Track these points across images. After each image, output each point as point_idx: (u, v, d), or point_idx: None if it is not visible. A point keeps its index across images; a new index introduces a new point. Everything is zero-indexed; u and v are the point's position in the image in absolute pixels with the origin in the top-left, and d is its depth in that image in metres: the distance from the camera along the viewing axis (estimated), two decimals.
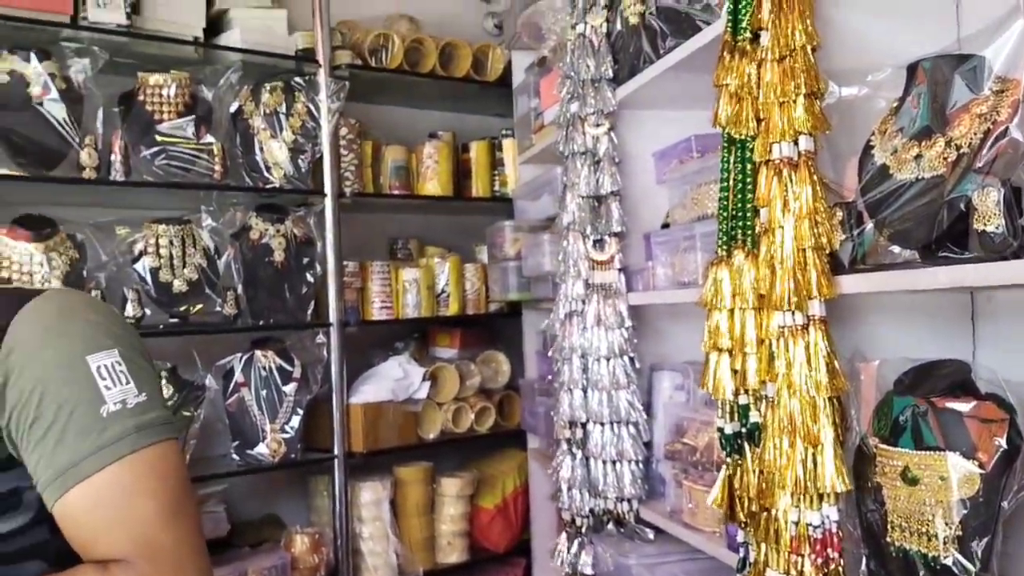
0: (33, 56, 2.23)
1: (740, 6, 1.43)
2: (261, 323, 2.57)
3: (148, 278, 2.41)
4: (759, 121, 1.38)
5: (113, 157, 2.35)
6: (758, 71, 1.37)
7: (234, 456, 2.53)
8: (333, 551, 2.64)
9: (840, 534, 1.26)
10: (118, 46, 2.38)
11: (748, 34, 1.41)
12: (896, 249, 1.20)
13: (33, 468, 1.00)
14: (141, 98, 2.45)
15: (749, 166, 1.41)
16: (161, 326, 2.41)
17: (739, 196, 1.44)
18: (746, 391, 1.41)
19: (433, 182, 3.01)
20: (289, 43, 2.65)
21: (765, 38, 1.35)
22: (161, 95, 2.45)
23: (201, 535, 1.05)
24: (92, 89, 2.34)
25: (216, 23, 2.59)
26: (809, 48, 1.29)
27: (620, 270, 2.11)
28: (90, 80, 2.33)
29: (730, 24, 1.45)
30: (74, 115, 2.29)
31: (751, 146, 1.40)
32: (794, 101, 1.29)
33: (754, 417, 1.40)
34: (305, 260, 2.67)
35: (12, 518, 1.02)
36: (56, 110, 2.26)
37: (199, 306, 2.47)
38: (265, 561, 2.48)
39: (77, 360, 1.00)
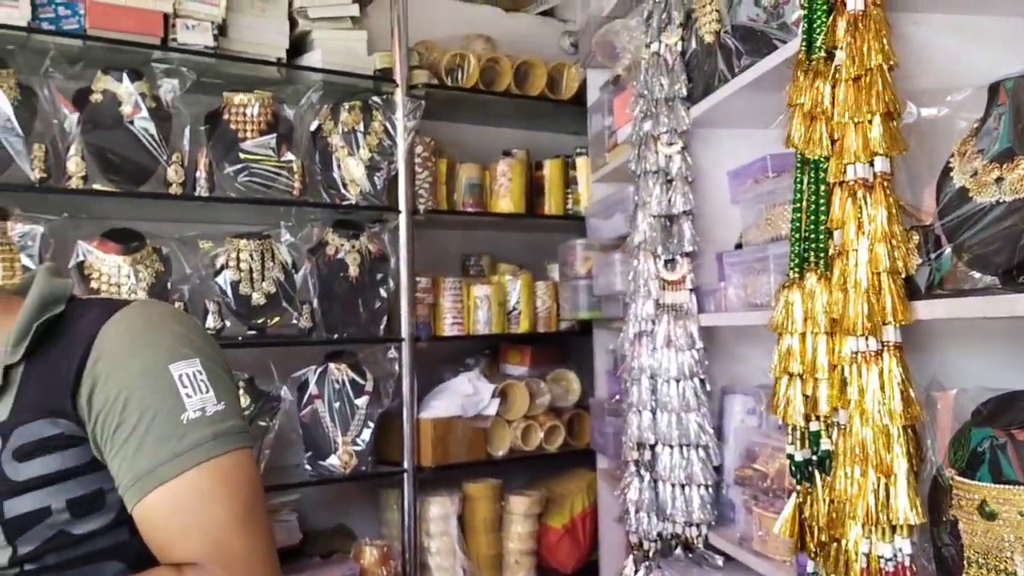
0: (125, 76, 2.33)
1: (815, 25, 1.40)
2: (335, 336, 2.62)
3: (229, 291, 2.48)
4: (833, 141, 1.35)
5: (198, 174, 2.43)
6: (833, 91, 1.35)
7: (307, 467, 2.58)
8: (401, 564, 2.67)
9: (913, 568, 1.22)
10: (205, 67, 2.47)
11: (823, 53, 1.38)
12: (975, 274, 1.16)
13: (116, 471, 1.04)
14: (226, 117, 2.53)
15: (823, 187, 1.38)
16: (240, 338, 2.48)
17: (812, 217, 1.41)
18: (817, 417, 1.38)
19: (506, 199, 3.03)
20: (368, 63, 2.71)
21: (840, 57, 1.33)
22: (245, 114, 2.53)
23: (272, 543, 1.07)
24: (180, 108, 2.43)
25: (299, 44, 2.66)
26: (886, 67, 1.26)
27: (691, 290, 2.09)
28: (178, 99, 2.42)
29: (804, 43, 1.43)
30: (162, 133, 2.38)
31: (825, 167, 1.37)
32: (870, 121, 1.27)
33: (825, 444, 1.37)
34: (379, 275, 2.71)
35: (95, 519, 1.06)
36: (146, 128, 2.35)
37: (276, 319, 2.53)
38: (335, 571, 2.52)
39: (161, 369, 1.04)
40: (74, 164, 2.24)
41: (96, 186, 2.29)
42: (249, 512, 1.05)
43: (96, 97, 2.32)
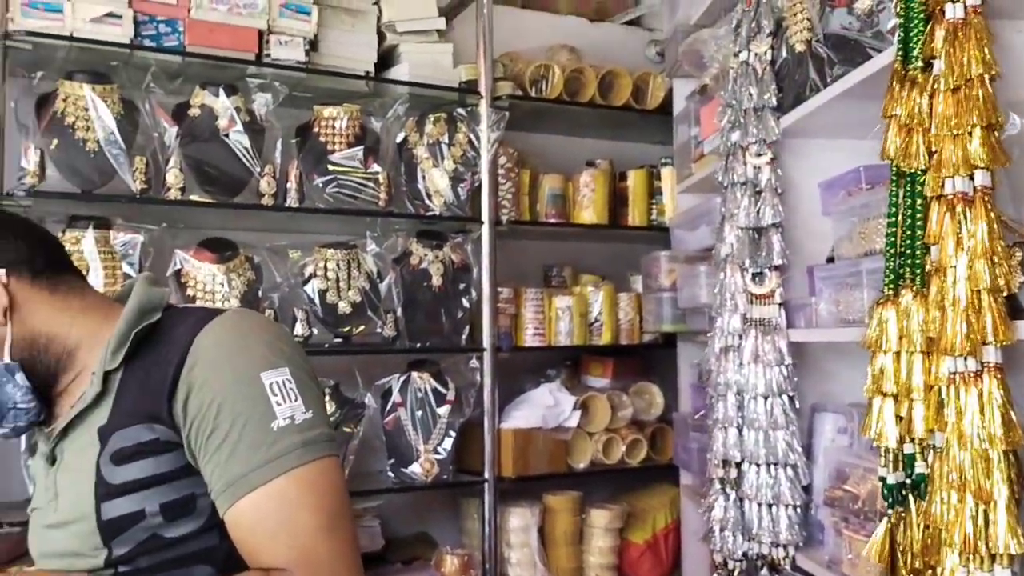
0: (222, 91, 2.41)
1: (912, 33, 1.36)
2: (418, 345, 2.65)
3: (316, 299, 2.53)
4: (931, 154, 1.31)
5: (289, 185, 2.49)
6: (930, 102, 1.30)
7: (390, 473, 2.61)
8: (482, 574, 2.67)
9: None
10: (297, 81, 2.53)
11: (920, 63, 1.34)
12: None
13: (208, 476, 1.07)
14: (316, 130, 2.59)
15: (919, 201, 1.34)
16: (326, 345, 2.53)
17: (908, 232, 1.36)
18: (912, 439, 1.33)
19: (589, 210, 3.01)
20: (453, 75, 2.74)
21: (938, 67, 1.28)
22: (334, 127, 2.59)
23: (357, 550, 1.09)
24: (272, 121, 2.50)
25: (386, 57, 2.71)
26: (987, 77, 1.21)
27: (780, 305, 2.04)
28: (271, 113, 2.49)
29: (901, 52, 1.39)
30: (256, 146, 2.45)
31: (922, 180, 1.33)
32: (969, 133, 1.22)
33: (920, 468, 1.32)
34: (461, 285, 2.73)
35: (187, 522, 1.09)
36: (240, 141, 2.42)
37: (361, 327, 2.57)
38: None
39: (253, 377, 1.08)
40: (173, 176, 2.32)
41: (193, 197, 2.37)
42: (335, 519, 1.07)
43: (194, 111, 2.41)
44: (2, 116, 2.13)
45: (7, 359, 1.13)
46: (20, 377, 1.14)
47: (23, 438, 2.14)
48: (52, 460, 1.17)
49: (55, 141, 2.21)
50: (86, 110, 2.24)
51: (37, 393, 1.16)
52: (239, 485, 1.05)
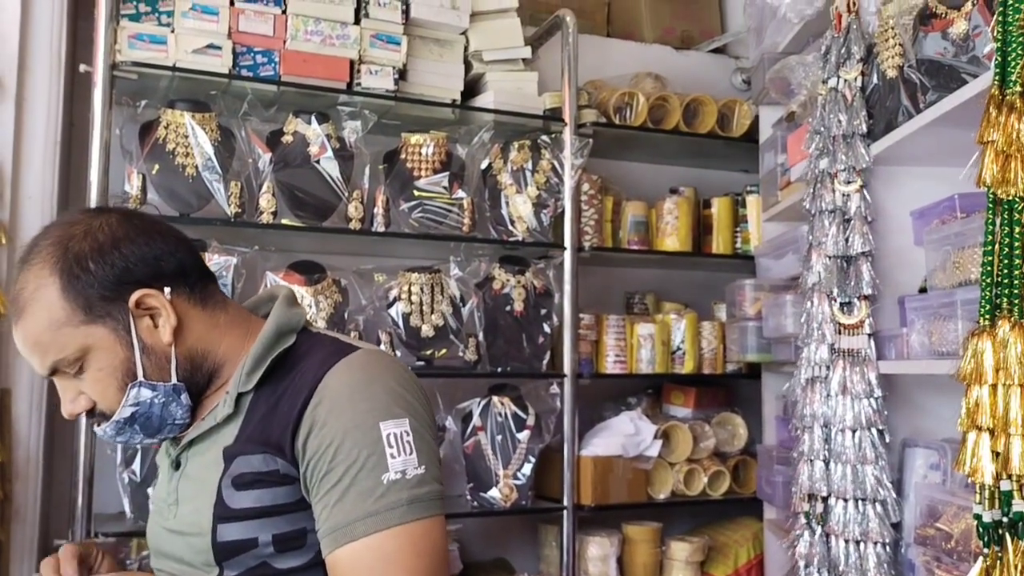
0: (314, 119, 2.49)
1: (1010, 57, 1.32)
2: (499, 370, 2.66)
3: (400, 322, 2.57)
4: None
5: (376, 210, 2.55)
6: None
7: (468, 497, 2.62)
8: None
9: None
10: (385, 109, 2.59)
11: (1018, 87, 1.29)
12: None
13: (317, 516, 1.09)
14: (403, 156, 2.65)
15: (1018, 229, 1.29)
16: (409, 367, 2.56)
17: (1005, 261, 1.31)
18: (1009, 476, 1.27)
19: (672, 237, 2.99)
20: (538, 103, 2.77)
21: None
22: (420, 153, 2.64)
23: None
24: (361, 148, 2.56)
25: (472, 86, 2.75)
26: None
27: (870, 335, 1.99)
28: (360, 140, 2.55)
29: (998, 76, 1.34)
30: (345, 172, 2.52)
31: (1020, 208, 1.28)
32: None
33: (1018, 506, 1.26)
34: (543, 311, 2.74)
35: (296, 556, 1.11)
36: (330, 167, 2.49)
37: (443, 350, 2.60)
38: None
39: (372, 425, 1.08)
40: (266, 200, 2.40)
41: (284, 221, 2.44)
42: None
43: (287, 138, 2.49)
44: (108, 142, 2.24)
45: (174, 380, 1.15)
46: (185, 398, 1.16)
47: (119, 451, 2.24)
48: (176, 465, 1.20)
49: (156, 166, 2.32)
50: (186, 137, 2.34)
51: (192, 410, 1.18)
52: (342, 532, 1.06)
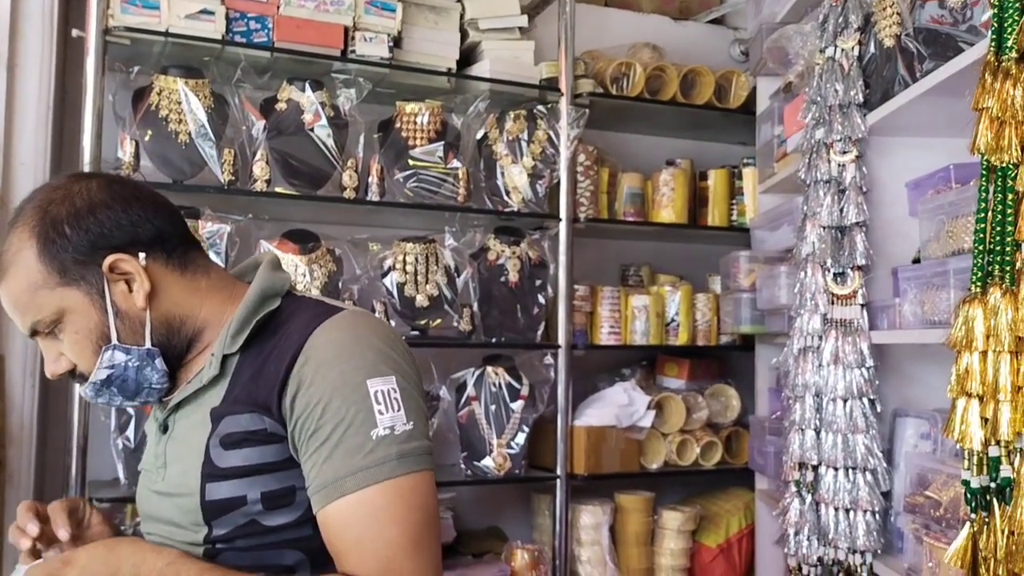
0: (308, 86, 2.47)
1: (1007, 24, 1.31)
2: (493, 340, 2.67)
3: (395, 292, 2.57)
4: None
5: (370, 179, 2.54)
6: None
7: (462, 466, 2.63)
8: (552, 570, 2.67)
9: None
10: (380, 77, 2.58)
11: (1014, 53, 1.29)
12: None
13: (307, 473, 1.09)
14: (398, 125, 2.63)
15: (1011, 196, 1.29)
16: (403, 337, 2.55)
17: (998, 229, 1.31)
18: (997, 442, 1.28)
19: (668, 209, 2.99)
20: (534, 73, 2.75)
21: None
22: (415, 122, 2.63)
23: (439, 568, 1.09)
24: (355, 116, 2.55)
25: (468, 55, 2.74)
26: None
27: (863, 306, 1.99)
28: (354, 108, 2.54)
29: (994, 43, 1.34)
30: (339, 140, 2.50)
31: (1014, 174, 1.28)
32: None
33: (1005, 471, 1.27)
34: (537, 282, 2.74)
35: (284, 513, 1.12)
36: (324, 135, 2.48)
37: (438, 320, 2.60)
38: (487, 572, 2.56)
39: (359, 382, 1.08)
40: (259, 168, 2.39)
41: (278, 189, 2.44)
42: (421, 535, 1.07)
43: (281, 106, 2.47)
44: (101, 108, 2.23)
45: (148, 344, 1.16)
46: (159, 362, 1.17)
47: (113, 417, 2.25)
48: (164, 428, 1.21)
49: (149, 133, 2.31)
50: (179, 103, 2.32)
51: (170, 374, 1.19)
52: (332, 488, 1.06)
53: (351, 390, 1.08)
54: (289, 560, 1.12)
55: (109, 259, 1.13)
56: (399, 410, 1.09)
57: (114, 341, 1.14)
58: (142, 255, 1.15)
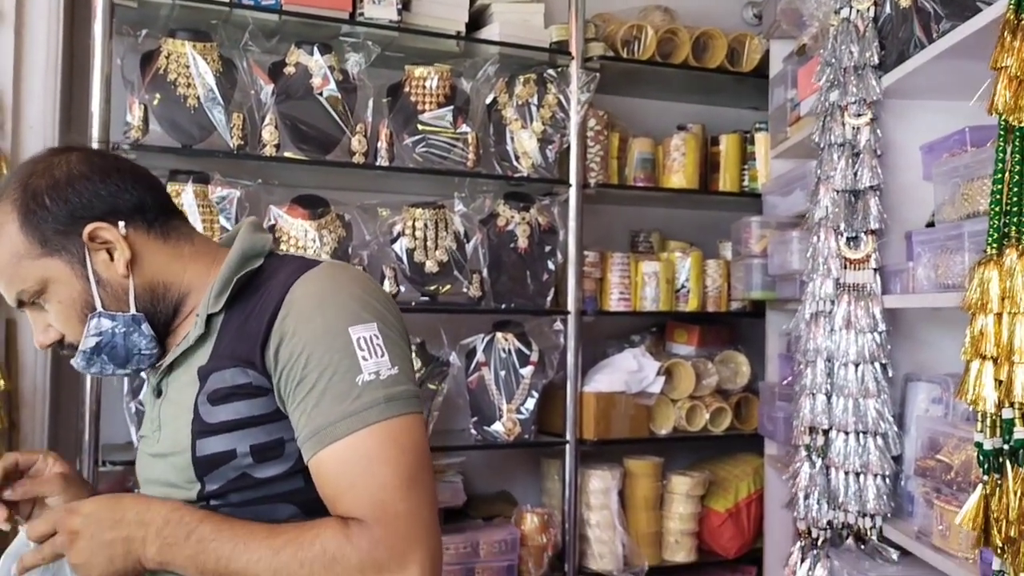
0: (316, 50, 2.45)
1: None
2: (503, 306, 2.66)
3: (404, 258, 2.56)
4: None
5: (379, 144, 2.53)
6: None
7: (472, 431, 2.64)
8: (561, 534, 2.69)
9: None
10: (389, 40, 2.55)
11: None
12: None
13: (295, 424, 1.11)
14: (407, 89, 2.61)
15: None
16: (413, 303, 2.56)
17: (1015, 190, 1.30)
18: (1011, 404, 1.28)
19: (679, 175, 2.97)
20: (544, 36, 2.72)
21: None
22: (424, 87, 2.60)
23: (434, 508, 1.10)
24: (364, 80, 2.53)
25: (477, 18, 2.70)
26: None
27: (876, 270, 1.98)
28: (363, 72, 2.52)
29: (1014, 1, 1.31)
30: (348, 104, 2.49)
31: None
32: None
33: (1019, 433, 1.27)
34: (547, 248, 2.73)
35: (275, 465, 1.13)
36: (333, 99, 2.46)
37: (447, 286, 2.60)
38: (496, 535, 2.58)
39: (341, 330, 1.09)
40: (268, 133, 2.38)
41: (287, 154, 2.42)
42: (413, 476, 1.08)
43: (289, 70, 2.45)
44: (109, 72, 2.21)
45: (133, 310, 1.18)
46: (146, 327, 1.19)
47: (125, 381, 2.26)
48: (158, 393, 1.23)
49: (158, 96, 2.29)
50: (187, 67, 2.31)
51: (158, 339, 1.21)
52: (322, 435, 1.07)
53: (333, 338, 1.09)
54: (283, 514, 1.13)
55: (88, 228, 1.15)
56: (383, 356, 1.10)
57: (99, 308, 1.17)
58: (122, 224, 1.17)
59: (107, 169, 1.19)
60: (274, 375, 1.11)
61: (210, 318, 1.18)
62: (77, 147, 1.25)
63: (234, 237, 1.27)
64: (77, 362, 1.20)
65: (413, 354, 2.46)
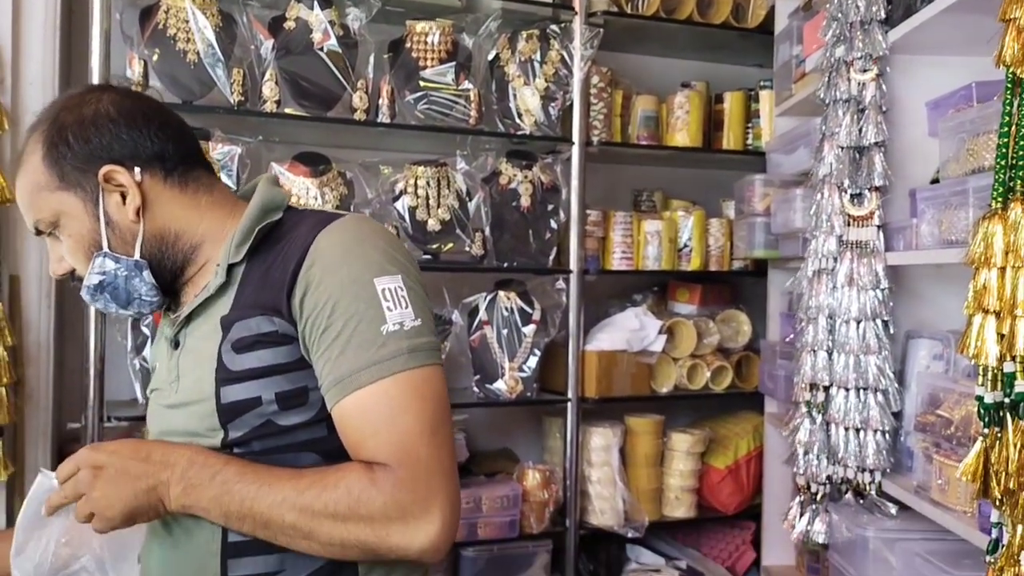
0: (316, 4, 2.42)
1: None
2: (505, 265, 2.66)
3: (406, 216, 2.56)
4: None
5: (381, 101, 2.51)
6: None
7: (475, 389, 2.66)
8: (563, 490, 2.72)
9: None
10: None
11: None
12: None
13: (319, 371, 1.11)
14: (408, 45, 2.59)
15: None
16: (415, 261, 2.55)
17: (1022, 143, 1.29)
18: (1013, 358, 1.28)
19: (682, 133, 2.95)
20: None
21: None
22: (426, 42, 2.58)
23: (453, 455, 1.12)
24: (365, 36, 2.51)
25: None
26: None
27: (879, 227, 1.98)
28: (364, 28, 2.49)
29: None
30: (349, 60, 2.46)
31: None
32: None
33: (1020, 387, 1.27)
34: (550, 207, 2.72)
35: (299, 413, 1.14)
36: (334, 55, 2.44)
37: (450, 245, 2.59)
38: (499, 490, 2.60)
39: (367, 280, 1.10)
40: (268, 89, 2.36)
41: (288, 110, 2.41)
42: (435, 424, 1.09)
43: (289, 24, 2.43)
44: (108, 27, 2.19)
45: (137, 256, 1.19)
46: (147, 275, 1.20)
47: (129, 338, 2.27)
48: (176, 344, 1.23)
49: (157, 52, 2.27)
50: (187, 22, 2.28)
51: (160, 289, 1.22)
52: (347, 383, 1.08)
53: (360, 288, 1.10)
54: (306, 462, 1.14)
55: (104, 169, 1.17)
56: (407, 307, 1.11)
57: (104, 248, 1.19)
58: (137, 170, 1.18)
59: (135, 114, 1.20)
60: (300, 324, 1.12)
61: (230, 269, 1.18)
62: (115, 88, 1.25)
63: (251, 192, 1.27)
64: (84, 295, 1.22)
65: None
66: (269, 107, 2.37)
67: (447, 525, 1.07)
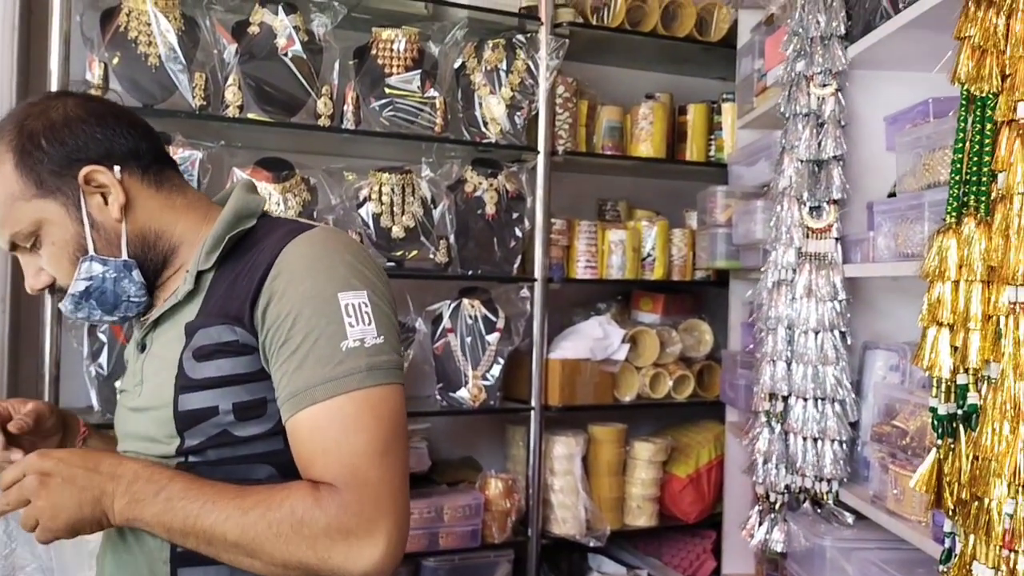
0: (281, 9, 2.40)
1: None
2: (470, 273, 2.66)
3: (370, 222, 2.54)
4: (1004, 78, 1.26)
5: (346, 107, 2.49)
6: (1007, 22, 1.25)
7: (438, 397, 2.65)
8: (525, 499, 2.72)
9: None
10: (355, 1, 2.51)
11: None
12: None
13: (276, 384, 1.11)
14: (374, 52, 2.58)
15: (989, 126, 1.29)
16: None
17: (975, 159, 1.32)
18: (966, 370, 1.31)
19: (646, 144, 2.97)
20: (513, 0, 2.70)
21: None
22: (392, 49, 2.57)
23: (406, 478, 1.11)
24: (330, 42, 2.49)
25: None
26: None
27: (837, 240, 2.01)
28: (329, 34, 2.48)
29: None
30: (314, 66, 2.45)
31: (993, 104, 1.28)
32: None
33: (972, 398, 1.30)
34: (515, 215, 2.72)
35: (256, 424, 1.13)
36: (298, 61, 2.42)
37: (414, 252, 2.59)
38: (461, 499, 2.59)
39: (330, 295, 1.09)
40: (231, 93, 2.34)
41: (251, 115, 2.39)
42: (388, 445, 1.08)
43: (253, 29, 2.41)
44: (68, 30, 2.16)
45: (124, 256, 1.18)
46: (136, 274, 1.19)
47: (85, 344, 2.23)
48: (142, 348, 1.23)
49: (118, 55, 2.24)
50: (148, 25, 2.26)
51: (148, 288, 1.22)
52: (302, 397, 1.07)
53: (322, 302, 1.09)
54: (260, 475, 1.13)
55: (84, 171, 1.15)
56: (370, 324, 1.10)
57: (91, 252, 1.17)
58: (117, 168, 1.17)
59: (103, 113, 1.20)
60: (261, 334, 1.11)
61: (200, 275, 1.17)
62: (74, 92, 1.25)
63: (227, 197, 1.26)
64: (65, 306, 1.20)
65: None
66: (232, 112, 2.35)
67: (392, 547, 1.06)
